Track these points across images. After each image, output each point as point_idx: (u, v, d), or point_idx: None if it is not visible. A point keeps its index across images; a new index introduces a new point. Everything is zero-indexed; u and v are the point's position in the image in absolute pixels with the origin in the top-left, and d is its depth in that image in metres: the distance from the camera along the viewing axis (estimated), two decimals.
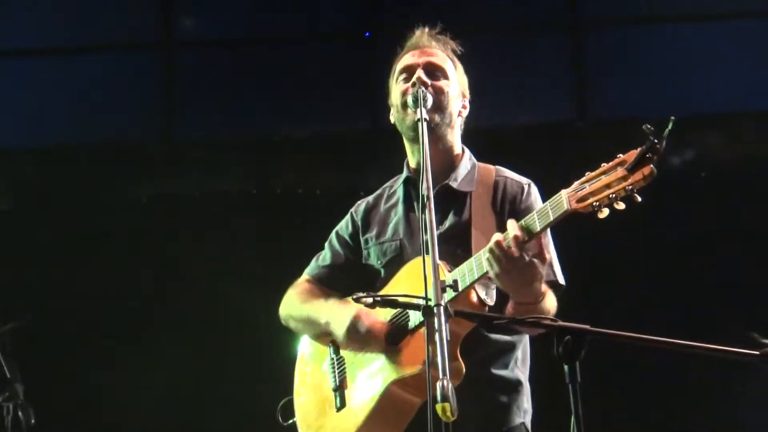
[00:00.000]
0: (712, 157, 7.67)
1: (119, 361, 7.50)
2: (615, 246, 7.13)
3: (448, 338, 2.83)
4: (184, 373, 7.43)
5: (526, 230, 3.34)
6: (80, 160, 8.08)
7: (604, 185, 3.13)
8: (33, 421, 5.82)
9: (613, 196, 3.10)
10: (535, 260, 3.37)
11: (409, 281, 3.70)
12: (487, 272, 3.43)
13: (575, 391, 2.74)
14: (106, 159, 8.07)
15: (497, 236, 3.35)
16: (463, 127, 4.07)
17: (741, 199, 7.42)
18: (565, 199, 3.23)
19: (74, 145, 8.27)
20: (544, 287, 3.52)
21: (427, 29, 4.09)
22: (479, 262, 3.46)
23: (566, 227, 3.45)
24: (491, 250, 3.34)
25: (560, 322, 2.84)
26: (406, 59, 4.02)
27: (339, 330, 3.80)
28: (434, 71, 3.93)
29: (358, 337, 3.74)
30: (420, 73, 3.88)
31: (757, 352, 2.78)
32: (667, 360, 6.36)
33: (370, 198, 4.22)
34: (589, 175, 3.20)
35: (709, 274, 7.30)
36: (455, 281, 3.26)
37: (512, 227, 3.34)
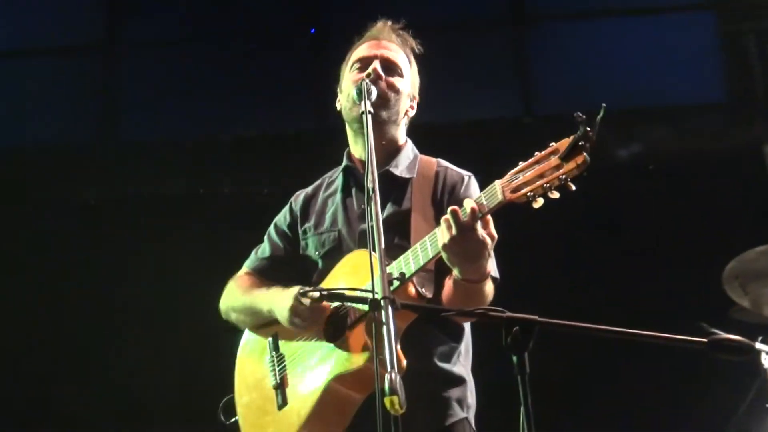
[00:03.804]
0: (659, 150, 7.72)
1: (66, 361, 7.51)
2: (562, 238, 7.17)
3: (395, 331, 2.78)
4: (129, 371, 7.42)
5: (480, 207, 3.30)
6: (25, 163, 7.99)
7: (537, 175, 3.12)
8: None
9: (547, 185, 3.09)
10: (486, 237, 3.34)
11: (348, 274, 3.65)
12: (425, 264, 3.40)
13: (524, 382, 2.71)
14: (52, 161, 7.97)
15: (453, 207, 3.31)
16: (408, 125, 4.05)
17: (688, 192, 7.48)
18: (499, 189, 3.22)
19: (19, 147, 8.17)
20: (489, 267, 3.49)
21: (390, 23, 4.06)
22: (416, 254, 3.42)
23: (519, 219, 3.43)
24: (446, 219, 3.30)
25: (508, 313, 2.82)
26: (363, 49, 3.99)
27: (282, 312, 3.72)
28: (390, 66, 3.91)
29: (302, 316, 3.67)
30: (377, 65, 3.86)
31: (705, 340, 2.79)
32: (619, 351, 6.38)
33: (309, 188, 4.20)
34: (522, 165, 3.19)
35: (659, 265, 7.35)
36: (402, 273, 3.22)
37: (469, 202, 3.30)
